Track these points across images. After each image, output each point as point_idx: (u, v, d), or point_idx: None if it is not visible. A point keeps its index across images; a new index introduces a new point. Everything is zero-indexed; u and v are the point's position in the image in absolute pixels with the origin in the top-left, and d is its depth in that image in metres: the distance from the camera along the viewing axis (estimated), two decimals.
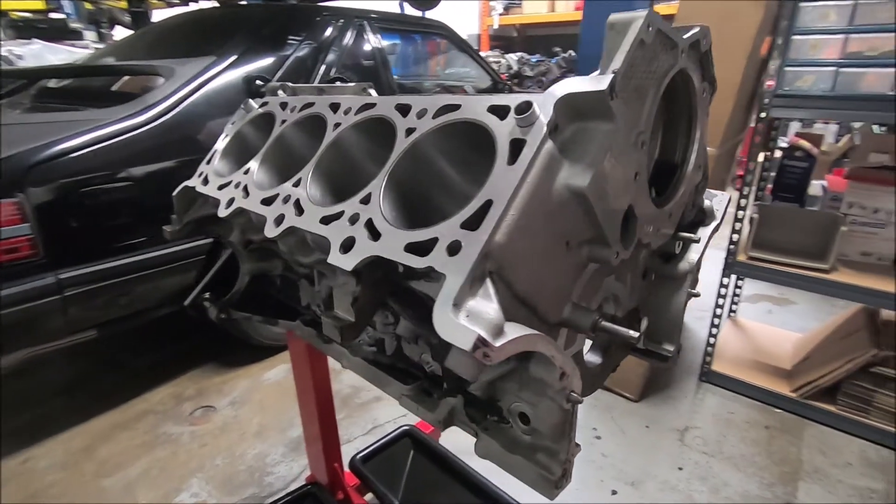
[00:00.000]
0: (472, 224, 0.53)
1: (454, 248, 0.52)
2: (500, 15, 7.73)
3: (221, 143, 1.03)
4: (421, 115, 0.68)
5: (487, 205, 0.53)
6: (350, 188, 0.80)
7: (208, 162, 1.02)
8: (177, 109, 2.39)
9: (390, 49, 3.52)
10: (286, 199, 0.76)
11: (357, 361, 0.95)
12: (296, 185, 0.77)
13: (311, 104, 0.89)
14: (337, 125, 0.80)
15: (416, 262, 0.54)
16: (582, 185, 0.54)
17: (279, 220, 0.74)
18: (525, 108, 0.55)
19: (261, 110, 1.02)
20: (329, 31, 3.18)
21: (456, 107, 0.65)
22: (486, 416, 0.77)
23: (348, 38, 3.25)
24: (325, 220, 0.67)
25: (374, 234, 0.60)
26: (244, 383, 2.79)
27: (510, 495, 1.74)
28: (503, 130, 0.58)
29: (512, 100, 0.60)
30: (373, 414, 2.56)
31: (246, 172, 0.89)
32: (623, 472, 2.22)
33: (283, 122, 0.92)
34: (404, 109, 0.71)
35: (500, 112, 0.60)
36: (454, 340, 0.45)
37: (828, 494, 2.10)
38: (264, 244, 0.91)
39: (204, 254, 2.54)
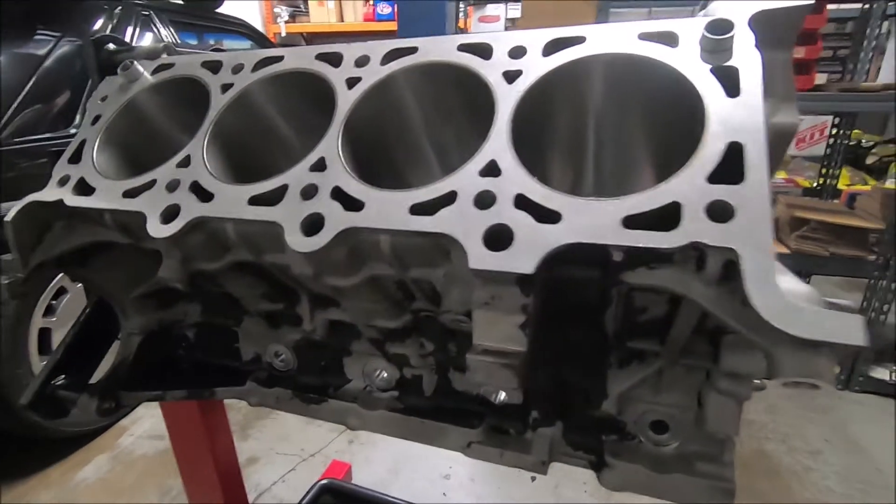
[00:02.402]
0: (725, 176, 0.38)
1: (721, 212, 0.36)
2: (287, 22, 7.34)
3: (93, 130, 0.64)
4: (516, 54, 0.50)
5: (736, 149, 0.39)
6: (402, 163, 0.55)
7: (74, 160, 0.62)
8: None
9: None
10: (308, 193, 0.48)
11: (377, 417, 0.69)
12: (318, 168, 0.50)
13: (278, 58, 0.60)
14: (353, 81, 0.54)
15: (665, 240, 0.36)
16: (794, 122, 0.45)
17: (311, 224, 0.46)
18: (727, 27, 0.43)
19: (167, 75, 0.66)
20: (100, 24, 2.47)
21: (579, 39, 0.48)
22: (598, 438, 0.62)
23: (129, 33, 2.59)
24: (424, 209, 0.44)
25: (545, 216, 0.40)
26: (46, 495, 1.99)
27: None
28: (682, 59, 0.44)
29: (671, 25, 0.47)
30: (252, 480, 2.09)
31: (184, 164, 0.55)
32: None
33: (226, 86, 0.60)
34: (482, 51, 0.51)
35: (665, 39, 0.46)
36: (828, 335, 0.30)
37: None
38: (224, 274, 0.58)
39: None
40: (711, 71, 0.43)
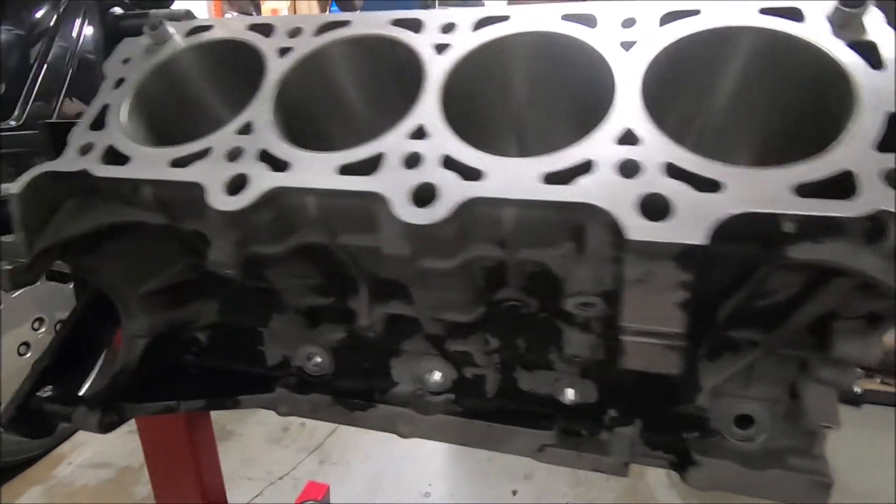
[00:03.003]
0: (885, 146, 0.37)
1: None
2: None
3: (117, 94, 0.55)
4: (629, 23, 0.47)
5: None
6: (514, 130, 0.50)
7: (97, 126, 0.53)
8: None
9: None
10: (412, 161, 0.43)
11: (432, 422, 0.62)
12: (418, 136, 0.44)
13: (344, 22, 0.54)
14: (442, 47, 0.49)
15: (848, 209, 0.34)
16: None
17: (424, 194, 0.41)
18: (860, 1, 0.42)
19: (209, 37, 0.58)
20: (44, 13, 2.22)
21: (694, 12, 0.47)
22: (679, 435, 0.58)
23: (79, 24, 2.35)
24: (558, 179, 0.39)
25: (703, 185, 0.37)
26: None
27: None
28: (815, 34, 0.43)
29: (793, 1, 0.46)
30: None
31: (245, 130, 0.48)
32: (514, 470, 2.22)
33: (284, 50, 0.53)
34: (586, 20, 0.48)
35: (790, 14, 0.45)
36: None
37: None
38: (281, 257, 0.51)
39: None
40: (848, 46, 0.42)
